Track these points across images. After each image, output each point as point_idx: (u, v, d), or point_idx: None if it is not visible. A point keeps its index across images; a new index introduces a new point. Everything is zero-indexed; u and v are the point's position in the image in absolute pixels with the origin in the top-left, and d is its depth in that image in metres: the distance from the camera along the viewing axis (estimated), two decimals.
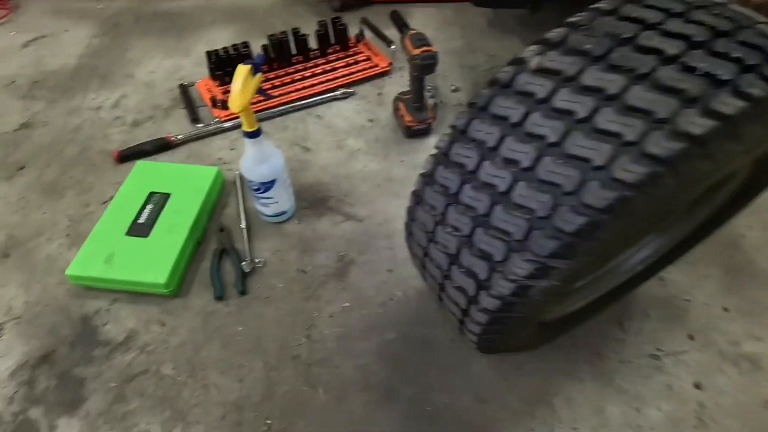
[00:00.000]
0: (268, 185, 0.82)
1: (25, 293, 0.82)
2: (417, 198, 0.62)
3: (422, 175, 0.60)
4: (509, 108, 0.48)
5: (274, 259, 0.88)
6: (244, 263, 0.85)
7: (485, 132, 0.49)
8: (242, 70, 0.67)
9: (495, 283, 0.47)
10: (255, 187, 0.83)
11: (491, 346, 0.64)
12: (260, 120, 1.12)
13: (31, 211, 0.95)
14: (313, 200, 0.98)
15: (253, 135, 0.75)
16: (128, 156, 1.04)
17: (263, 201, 0.86)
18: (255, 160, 0.79)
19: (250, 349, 0.76)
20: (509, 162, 0.46)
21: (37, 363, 0.74)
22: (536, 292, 0.46)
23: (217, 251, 0.87)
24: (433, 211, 0.56)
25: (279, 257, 0.88)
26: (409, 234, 0.68)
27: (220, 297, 0.81)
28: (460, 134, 0.53)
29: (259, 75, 0.70)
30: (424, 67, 0.94)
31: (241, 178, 1.00)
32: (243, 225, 0.91)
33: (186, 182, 0.92)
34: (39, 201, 0.97)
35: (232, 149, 1.08)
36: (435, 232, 0.57)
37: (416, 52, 0.92)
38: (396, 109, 1.10)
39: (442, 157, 0.54)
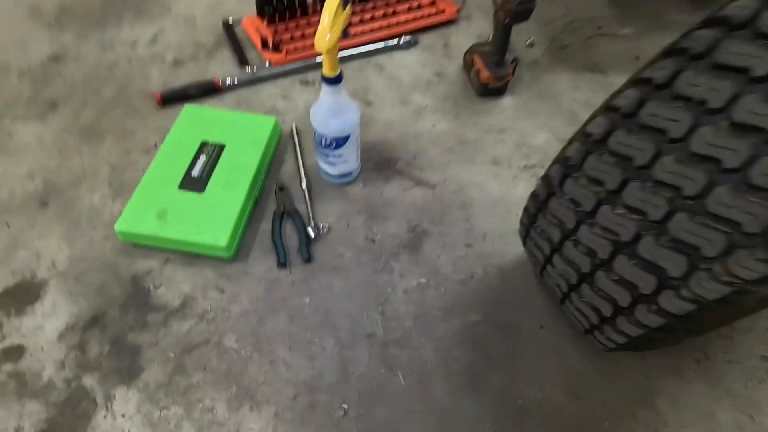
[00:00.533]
0: (340, 141, 0.72)
1: (69, 247, 0.74)
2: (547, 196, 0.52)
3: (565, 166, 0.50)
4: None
5: (339, 225, 0.79)
6: (309, 228, 0.76)
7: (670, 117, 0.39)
8: (332, 1, 0.56)
9: (694, 285, 0.38)
10: (326, 143, 0.72)
11: (628, 347, 0.56)
12: (310, 68, 1.00)
13: (68, 156, 0.85)
14: (379, 161, 0.88)
15: (335, 81, 0.64)
16: (171, 99, 0.93)
17: (331, 159, 0.76)
18: (331, 110, 0.68)
19: (320, 324, 0.69)
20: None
21: (87, 325, 0.67)
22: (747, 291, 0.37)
23: (278, 213, 0.78)
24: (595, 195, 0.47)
25: (344, 223, 0.79)
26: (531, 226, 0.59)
27: (283, 263, 0.73)
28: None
29: (349, 8, 0.58)
30: (518, 13, 0.81)
31: (298, 131, 0.90)
32: (304, 185, 0.82)
33: (241, 132, 0.82)
34: (76, 145, 0.87)
35: (285, 98, 0.97)
36: (578, 235, 0.48)
37: None
38: (469, 63, 0.98)
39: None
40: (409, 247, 0.77)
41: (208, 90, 0.94)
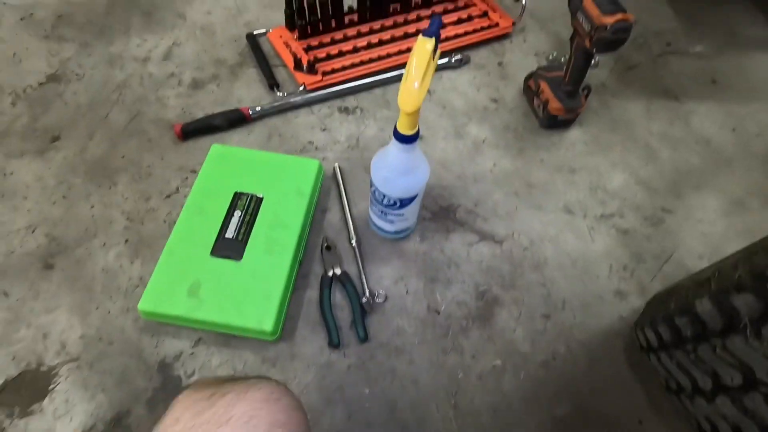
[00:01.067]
0: (405, 201, 0.61)
1: (81, 324, 0.62)
2: None
3: None
4: None
5: (396, 291, 0.68)
6: (363, 298, 0.65)
7: None
8: (424, 49, 0.43)
9: None
10: (388, 202, 0.61)
11: None
12: (350, 92, 0.88)
13: (75, 203, 0.73)
14: (436, 209, 0.77)
15: (411, 140, 0.52)
16: (193, 131, 0.81)
17: (390, 218, 0.65)
18: (400, 170, 0.56)
19: (385, 422, 0.58)
20: None
21: (108, 428, 0.56)
22: None
23: (327, 279, 0.67)
24: None
25: (402, 288, 0.68)
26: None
27: (336, 344, 0.62)
28: None
29: (438, 52, 0.46)
30: (610, 42, 0.68)
31: (342, 173, 0.78)
32: (354, 242, 0.70)
33: (281, 179, 0.70)
34: (84, 188, 0.74)
35: (324, 130, 0.85)
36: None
37: (607, 20, 0.66)
38: (535, 90, 0.85)
39: None
40: (480, 319, 0.67)
41: (235, 120, 0.81)
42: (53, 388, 0.58)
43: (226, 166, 0.71)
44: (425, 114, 0.87)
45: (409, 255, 0.71)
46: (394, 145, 0.54)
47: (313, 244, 0.71)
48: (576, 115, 0.85)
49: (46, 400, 0.57)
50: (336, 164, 0.79)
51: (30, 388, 0.57)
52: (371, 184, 0.62)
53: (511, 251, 0.73)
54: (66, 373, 0.59)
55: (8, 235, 0.69)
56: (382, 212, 0.65)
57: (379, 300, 0.66)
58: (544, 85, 0.83)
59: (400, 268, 0.70)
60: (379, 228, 0.69)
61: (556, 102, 0.81)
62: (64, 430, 0.55)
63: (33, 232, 0.69)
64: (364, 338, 0.63)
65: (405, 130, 0.50)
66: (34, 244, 0.68)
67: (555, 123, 0.85)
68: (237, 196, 0.68)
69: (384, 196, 0.60)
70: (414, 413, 0.59)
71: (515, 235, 0.74)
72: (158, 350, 0.61)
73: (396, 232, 0.70)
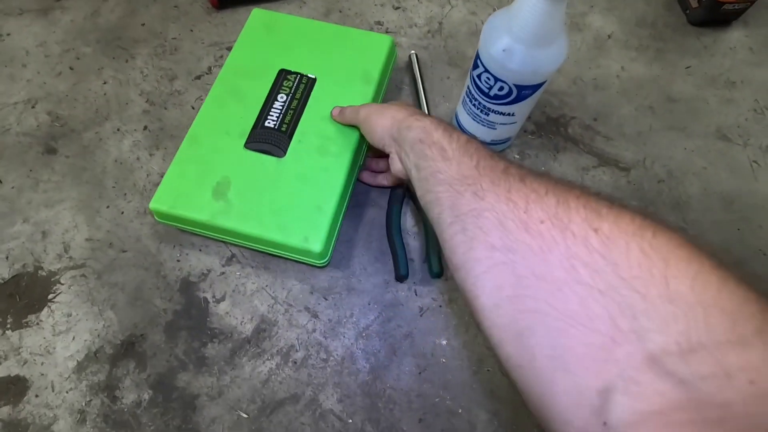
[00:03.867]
0: (527, 91, 0.42)
1: (88, 223, 0.50)
2: None
3: None
4: None
5: None
6: None
7: None
8: None
9: None
10: (501, 91, 0.43)
11: None
12: None
13: (84, 76, 0.58)
14: (542, 120, 0.58)
15: None
16: None
17: (493, 118, 0.47)
18: (538, 35, 0.37)
19: (465, 383, 0.45)
20: None
21: (118, 354, 0.45)
22: None
23: (399, 194, 0.51)
24: None
25: None
26: None
27: (405, 276, 0.48)
28: None
29: None
30: None
31: (419, 62, 0.59)
32: None
33: (341, 58, 0.52)
34: (95, 59, 0.59)
35: (397, 8, 0.65)
36: None
37: None
38: None
39: None
40: None
41: None
42: (53, 298, 0.46)
43: (271, 37, 0.53)
44: None
45: None
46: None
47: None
48: (747, 5, 0.61)
49: (45, 311, 0.46)
50: (412, 52, 0.60)
51: (26, 295, 0.46)
52: (475, 64, 0.43)
53: (641, 183, 0.55)
54: (69, 282, 0.47)
55: (2, 110, 0.55)
56: (482, 110, 0.47)
57: None
58: None
59: None
60: (469, 134, 0.52)
61: None
62: (64, 351, 0.44)
63: (33, 107, 0.56)
64: (439, 273, 0.48)
65: None
66: (34, 122, 0.55)
67: (712, 17, 0.62)
68: (282, 74, 0.50)
69: (495, 81, 0.42)
70: (504, 376, 0.45)
71: (647, 162, 0.56)
72: (181, 265, 0.48)
73: (492, 143, 0.52)
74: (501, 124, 0.48)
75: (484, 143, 0.34)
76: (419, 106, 0.57)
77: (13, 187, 0.51)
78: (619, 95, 0.59)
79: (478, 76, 0.44)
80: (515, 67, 0.39)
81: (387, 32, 0.62)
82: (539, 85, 0.42)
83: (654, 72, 0.61)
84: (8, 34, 0.60)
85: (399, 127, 0.38)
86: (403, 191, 0.51)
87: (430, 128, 0.35)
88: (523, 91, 0.42)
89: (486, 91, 0.44)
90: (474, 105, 0.47)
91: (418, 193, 0.35)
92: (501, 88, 0.42)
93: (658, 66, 0.62)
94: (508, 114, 0.46)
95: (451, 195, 0.30)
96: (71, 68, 0.58)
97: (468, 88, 0.47)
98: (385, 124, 0.41)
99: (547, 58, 0.39)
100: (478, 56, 0.43)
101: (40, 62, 0.58)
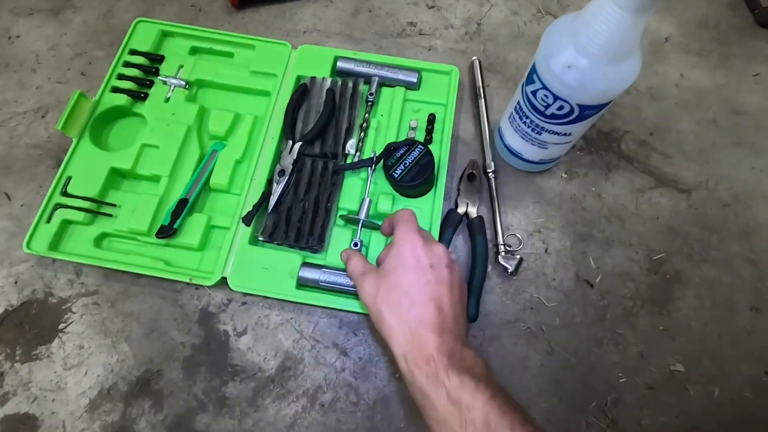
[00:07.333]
0: (590, 111, 0.38)
1: None
2: None
3: None
4: None
5: (531, 248, 0.47)
6: (500, 255, 0.45)
7: None
8: None
9: None
10: (560, 111, 0.38)
11: None
12: None
13: (96, 81, 0.53)
14: (593, 134, 0.52)
15: None
16: None
17: (545, 138, 0.42)
18: (614, 50, 0.32)
19: None
20: None
21: (132, 391, 0.41)
22: None
23: (455, 219, 0.46)
24: None
25: (539, 244, 0.47)
26: None
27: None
28: None
29: None
30: None
31: (481, 67, 0.54)
32: (491, 169, 0.49)
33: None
34: (108, 63, 0.55)
35: (432, 7, 0.59)
36: None
37: None
38: None
39: None
40: (653, 302, 0.45)
41: None
42: (64, 328, 0.43)
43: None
44: None
45: (552, 197, 0.49)
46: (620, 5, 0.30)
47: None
48: None
49: (56, 342, 0.43)
50: (475, 58, 0.54)
51: (36, 324, 0.43)
52: (530, 79, 0.38)
53: (704, 207, 0.49)
54: (81, 310, 0.44)
55: (11, 119, 0.52)
56: (534, 128, 0.42)
57: (511, 263, 0.46)
58: None
59: (538, 213, 0.48)
60: (515, 153, 0.47)
61: None
62: (76, 387, 0.41)
63: (43, 116, 0.52)
64: (474, 318, 0.43)
65: None
66: (44, 133, 0.51)
67: None
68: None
69: (555, 100, 0.37)
70: (553, 427, 0.41)
71: (710, 183, 0.50)
72: (199, 293, 0.45)
73: (540, 162, 0.47)
74: (554, 144, 0.43)
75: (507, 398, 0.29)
76: (480, 117, 0.52)
77: (22, 205, 0.48)
78: (679, 107, 0.54)
79: (533, 93, 0.38)
80: (581, 86, 0.34)
81: (420, 34, 0.57)
82: (605, 105, 0.37)
83: (717, 80, 0.55)
84: (18, 36, 0.56)
85: (416, 364, 0.31)
86: (462, 217, 0.46)
87: (455, 398, 0.29)
88: (585, 111, 0.37)
89: (542, 109, 0.39)
90: (524, 123, 0.42)
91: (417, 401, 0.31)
92: (560, 108, 0.37)
93: (722, 74, 0.55)
94: (564, 134, 0.41)
95: None
96: (83, 74, 0.54)
97: (518, 104, 0.42)
98: (398, 337, 0.32)
99: (619, 75, 0.34)
100: (534, 70, 0.37)
101: (51, 67, 0.55)
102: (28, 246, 0.43)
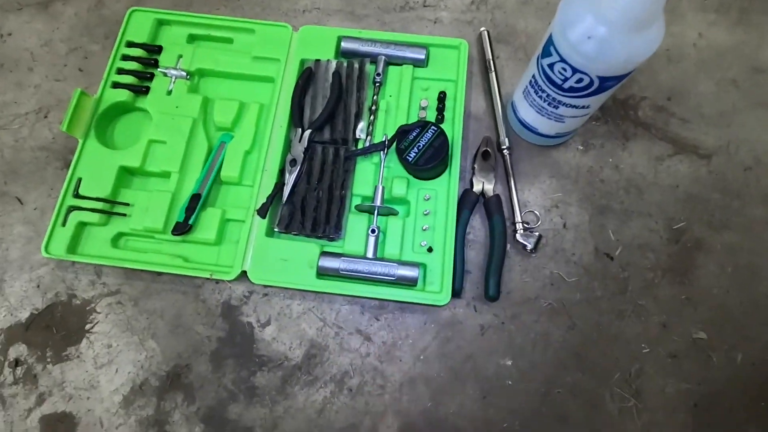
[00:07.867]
0: (610, 83, 0.36)
1: None
2: None
3: None
4: None
5: (549, 224, 0.46)
6: (518, 233, 0.45)
7: None
8: None
9: None
10: (579, 84, 0.36)
11: None
12: None
13: (94, 77, 0.52)
14: (608, 102, 0.50)
15: None
16: None
17: (562, 111, 0.40)
18: (636, 18, 0.30)
19: (535, 409, 0.41)
20: None
21: (164, 386, 0.42)
22: None
23: (472, 198, 0.45)
24: None
25: (557, 219, 0.47)
26: None
27: (458, 291, 0.44)
28: None
29: None
30: None
31: (490, 39, 0.52)
32: (506, 145, 0.48)
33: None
34: (104, 57, 0.53)
35: None
36: None
37: None
38: None
39: None
40: (674, 271, 0.45)
41: None
42: (91, 329, 0.44)
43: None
44: None
45: (568, 170, 0.48)
46: None
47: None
48: None
49: (84, 343, 0.43)
50: (483, 29, 0.52)
51: (62, 326, 0.44)
52: (546, 51, 0.37)
53: (724, 172, 0.48)
54: (105, 310, 0.44)
55: (13, 121, 0.51)
56: (550, 103, 0.40)
57: (530, 241, 0.45)
58: None
59: (555, 188, 0.48)
60: (529, 127, 0.46)
61: None
62: (108, 385, 0.42)
63: (45, 117, 0.51)
64: (495, 296, 0.43)
65: None
66: (49, 134, 0.50)
67: None
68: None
69: (573, 72, 0.35)
70: (577, 399, 0.42)
71: (731, 147, 0.49)
72: (220, 287, 0.45)
73: (555, 136, 0.46)
74: (571, 117, 0.41)
75: None
76: (491, 92, 0.50)
77: (35, 208, 0.47)
78: (697, 68, 0.52)
79: (550, 66, 0.37)
80: (601, 57, 0.33)
81: (424, 6, 0.55)
82: (626, 75, 0.36)
83: (737, 37, 0.53)
84: (9, 34, 0.55)
85: None
86: (478, 196, 0.46)
87: None
88: (606, 83, 0.36)
89: (559, 83, 0.37)
90: (540, 97, 0.41)
91: None
92: (580, 80, 0.36)
93: (742, 30, 0.53)
94: (583, 107, 0.40)
95: None
96: (80, 69, 0.53)
97: (533, 77, 0.40)
98: None
99: (642, 43, 0.32)
100: (550, 42, 0.36)
101: (47, 64, 0.53)
102: (46, 250, 0.43)
